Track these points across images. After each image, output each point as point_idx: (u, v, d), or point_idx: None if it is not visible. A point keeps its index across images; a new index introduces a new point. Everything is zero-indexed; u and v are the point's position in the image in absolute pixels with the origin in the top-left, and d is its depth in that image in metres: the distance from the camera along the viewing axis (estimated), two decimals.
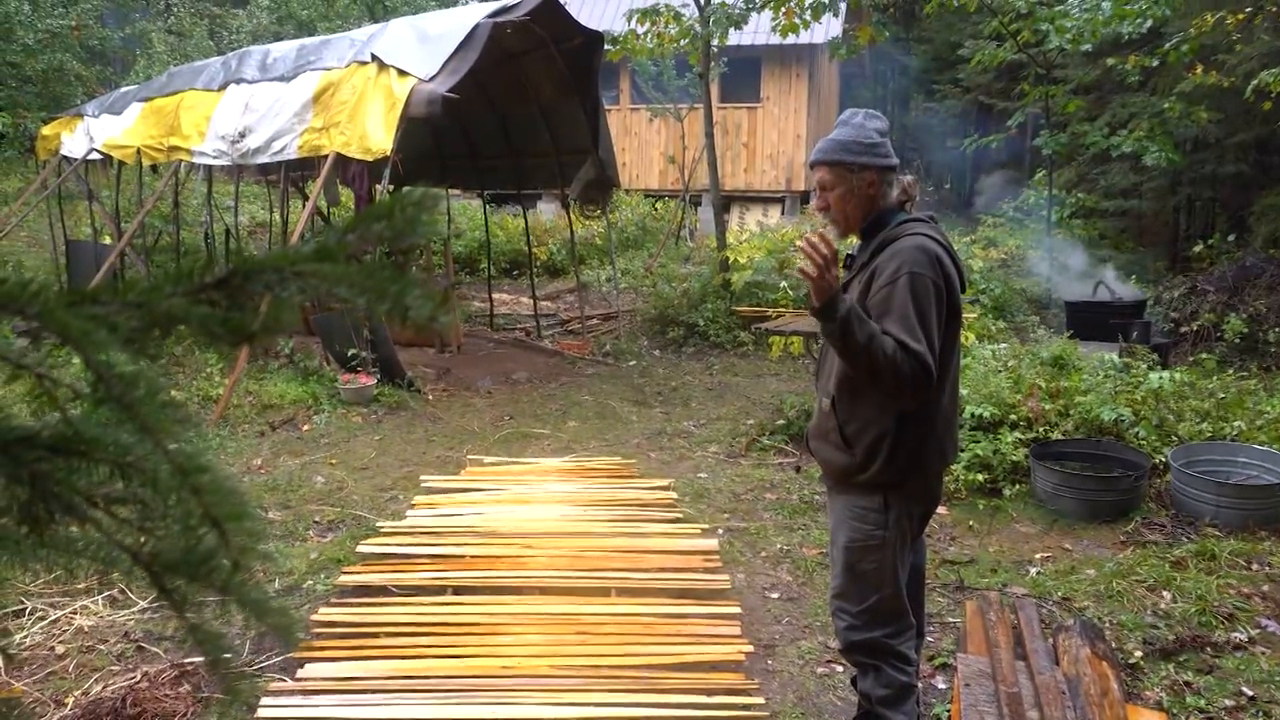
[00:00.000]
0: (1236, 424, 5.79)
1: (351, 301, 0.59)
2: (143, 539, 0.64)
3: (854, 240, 2.73)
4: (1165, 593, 4.25)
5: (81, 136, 10.41)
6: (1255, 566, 4.53)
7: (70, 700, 3.39)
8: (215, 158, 8.72)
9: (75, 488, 0.58)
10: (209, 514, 0.60)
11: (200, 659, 3.62)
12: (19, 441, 0.55)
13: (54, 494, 0.56)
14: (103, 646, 3.79)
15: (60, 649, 3.77)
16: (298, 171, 9.57)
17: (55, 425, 0.57)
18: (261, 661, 3.64)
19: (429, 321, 0.60)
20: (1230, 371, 7.32)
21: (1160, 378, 6.10)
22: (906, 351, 2.36)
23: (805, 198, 17.60)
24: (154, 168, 10.21)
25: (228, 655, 0.69)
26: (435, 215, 0.60)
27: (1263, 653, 3.74)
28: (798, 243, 2.56)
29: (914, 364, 2.37)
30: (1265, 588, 4.31)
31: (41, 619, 3.97)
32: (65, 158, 10.68)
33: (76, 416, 0.58)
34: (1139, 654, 3.73)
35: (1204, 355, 8.04)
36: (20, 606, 4.02)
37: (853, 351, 2.40)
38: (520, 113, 10.22)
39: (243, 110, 8.51)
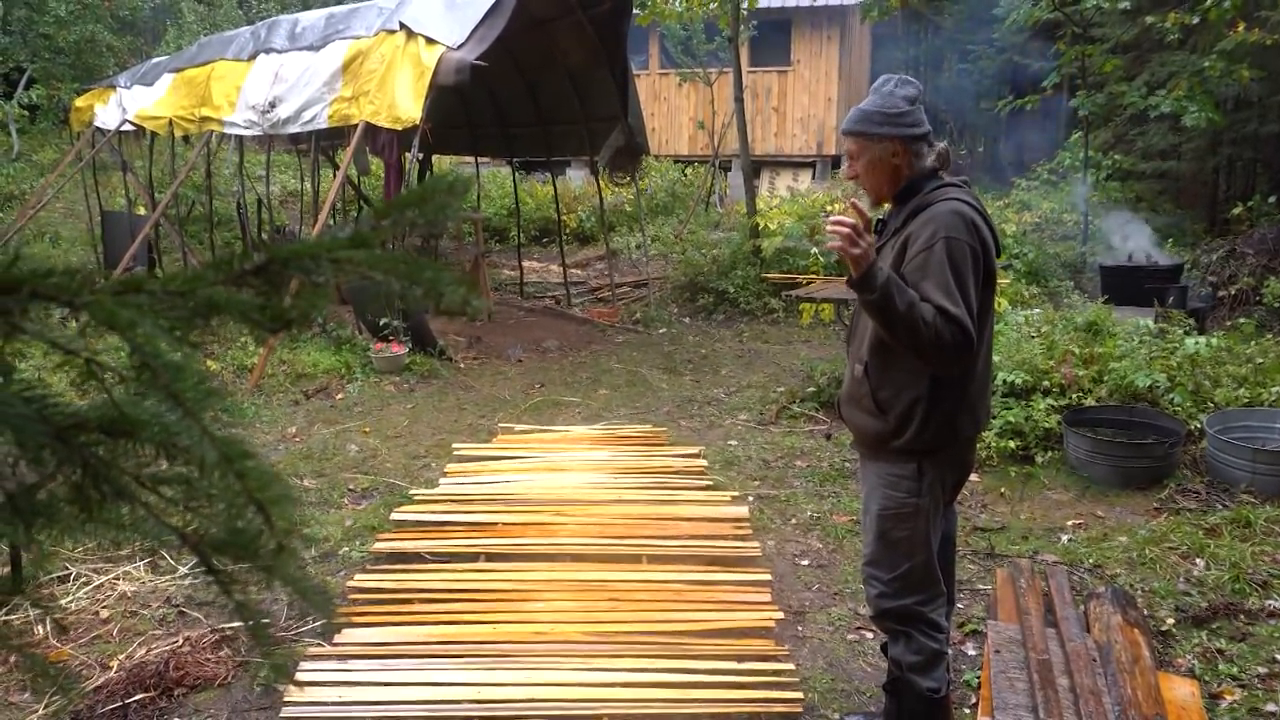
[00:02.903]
0: (1275, 389, 5.70)
1: (387, 286, 0.61)
2: (189, 518, 0.66)
3: (886, 206, 2.72)
4: (1198, 560, 4.23)
5: (114, 108, 10.50)
6: None
7: (115, 664, 3.48)
8: (246, 128, 8.77)
9: (125, 470, 0.59)
10: (253, 498, 0.62)
11: (241, 626, 3.71)
12: (72, 426, 0.57)
13: (106, 476, 0.58)
14: (145, 611, 3.88)
15: (104, 614, 3.87)
16: (328, 141, 9.61)
17: (103, 408, 0.59)
18: (300, 627, 3.71)
19: (462, 307, 0.61)
20: (1269, 336, 7.20)
21: (1196, 343, 6.01)
22: (946, 317, 2.34)
23: (836, 162, 17.43)
24: (186, 138, 10.29)
25: (271, 631, 0.71)
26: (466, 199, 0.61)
27: None
28: (824, 223, 2.54)
29: (954, 329, 2.34)
30: None
31: (86, 584, 4.06)
32: (99, 129, 10.77)
33: (123, 399, 0.59)
34: (1171, 621, 3.72)
35: (1242, 320, 7.92)
36: (65, 572, 4.12)
37: (893, 321, 2.36)
38: (549, 79, 10.18)
39: (273, 80, 8.54)
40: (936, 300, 2.36)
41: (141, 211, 11.18)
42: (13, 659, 3.20)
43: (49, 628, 3.62)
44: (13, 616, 3.28)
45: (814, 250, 10.63)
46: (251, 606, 0.72)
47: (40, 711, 3.18)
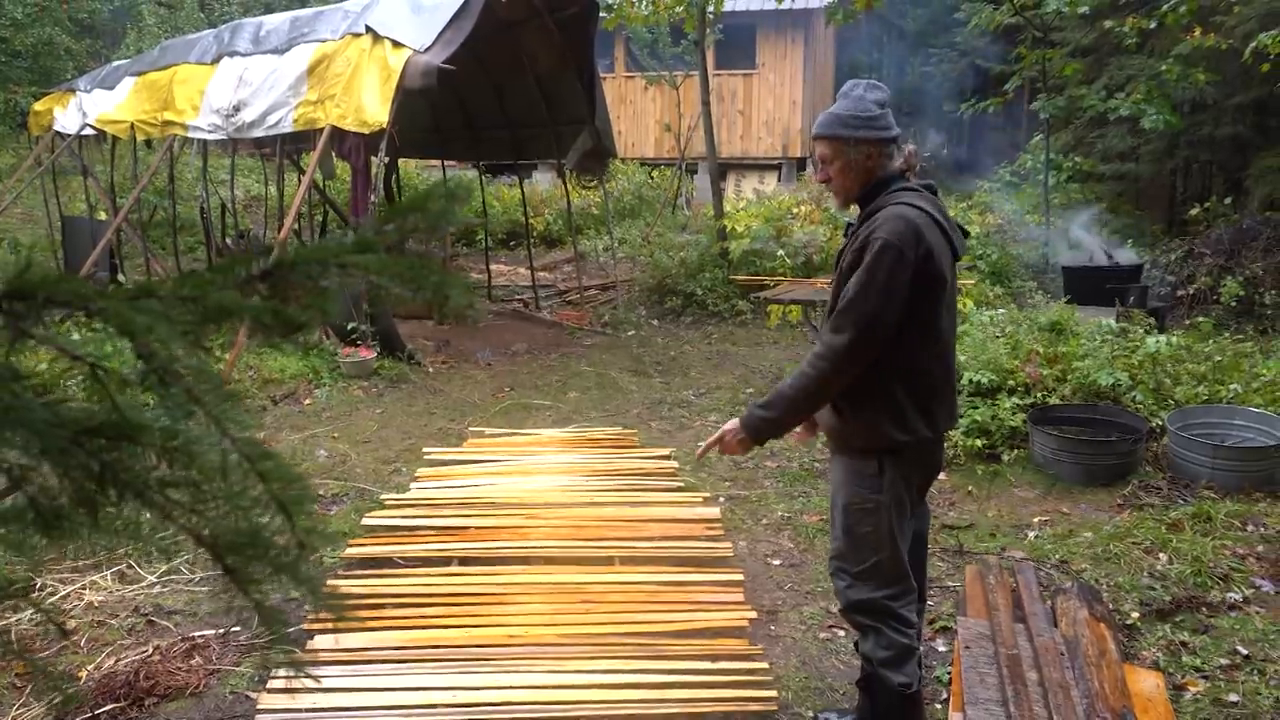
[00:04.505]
0: (1233, 387, 5.82)
1: (389, 290, 0.61)
2: (195, 520, 0.66)
3: (855, 208, 2.75)
4: (1162, 554, 4.31)
5: (74, 112, 10.35)
6: (1250, 528, 4.59)
7: (83, 674, 3.44)
8: (210, 132, 8.68)
9: (139, 474, 0.60)
10: (275, 499, 0.62)
11: (211, 632, 3.67)
12: (87, 430, 0.57)
13: (124, 480, 0.59)
14: (113, 621, 3.84)
15: (71, 624, 3.81)
16: (292, 145, 9.53)
17: (104, 414, 0.59)
18: (270, 634, 3.68)
19: (465, 310, 0.62)
20: (1227, 335, 7.35)
21: (1157, 342, 6.13)
22: (827, 346, 2.54)
23: (802, 164, 17.54)
24: (148, 142, 10.17)
25: (289, 630, 0.72)
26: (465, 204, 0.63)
27: (1257, 612, 3.80)
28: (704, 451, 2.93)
29: (828, 356, 2.53)
30: (1260, 548, 4.36)
31: (51, 594, 4.01)
32: (58, 133, 10.62)
33: (125, 405, 0.60)
34: (1136, 615, 3.79)
35: (1201, 319, 8.07)
36: (30, 582, 4.06)
37: (796, 419, 2.70)
38: (516, 83, 10.16)
39: (237, 84, 8.47)
40: (833, 319, 2.56)
41: (103, 217, 11.03)
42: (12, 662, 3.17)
43: (14, 636, 3.57)
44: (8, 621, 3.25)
45: (781, 253, 10.69)
46: (268, 606, 0.73)
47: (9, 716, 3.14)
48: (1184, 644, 3.57)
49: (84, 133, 10.19)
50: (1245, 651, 3.51)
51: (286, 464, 0.64)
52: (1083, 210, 11.58)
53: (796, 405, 2.63)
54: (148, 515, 0.63)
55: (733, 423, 2.73)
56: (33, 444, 0.54)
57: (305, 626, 3.64)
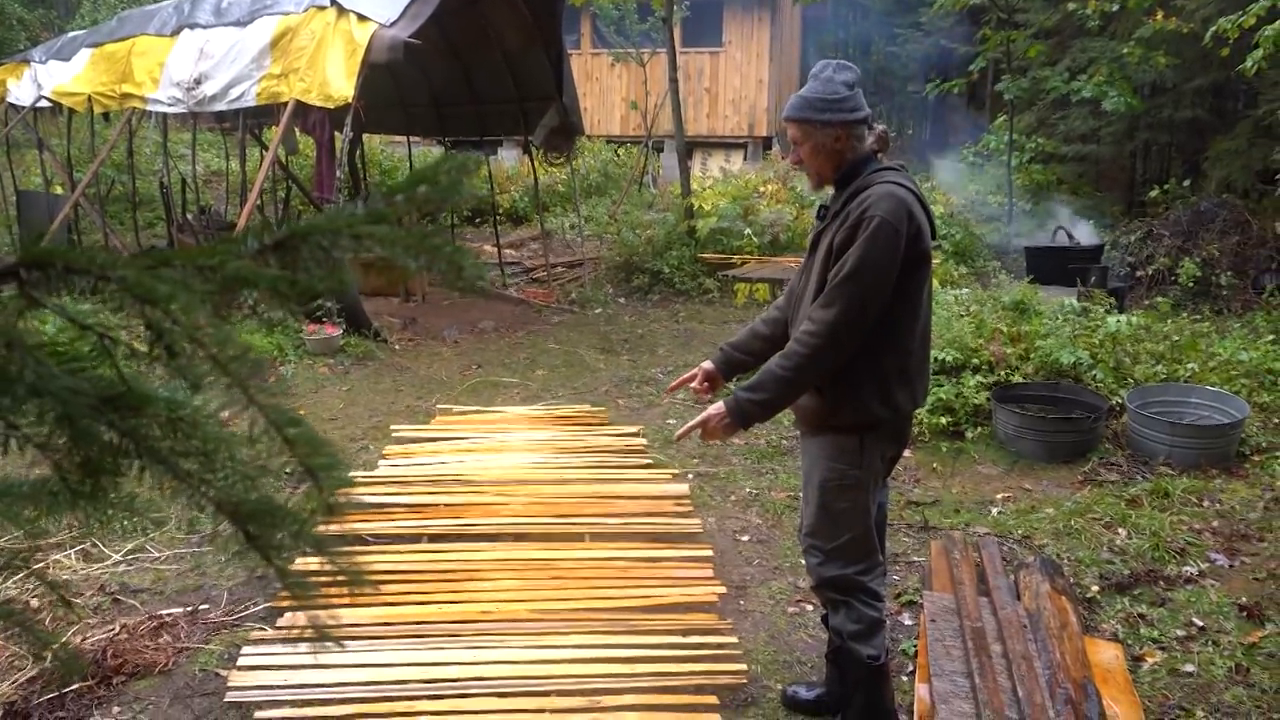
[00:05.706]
0: (1190, 366, 5.94)
1: (402, 263, 0.62)
2: (204, 489, 0.67)
3: (828, 189, 2.77)
4: (1121, 530, 4.40)
5: (29, 84, 10.13)
6: (1206, 503, 4.70)
7: (49, 653, 3.40)
8: (170, 105, 8.54)
9: (156, 442, 0.60)
10: (303, 464, 0.63)
11: (179, 610, 3.65)
12: (110, 399, 0.57)
13: (146, 449, 0.59)
14: (79, 600, 3.80)
15: (35, 603, 3.77)
16: (254, 119, 9.40)
17: (110, 384, 0.59)
18: (241, 611, 3.67)
19: (477, 282, 0.63)
20: (1184, 315, 7.48)
21: (1117, 321, 6.23)
22: (820, 322, 2.51)
23: (768, 143, 17.56)
24: (105, 116, 9.98)
25: (317, 596, 0.73)
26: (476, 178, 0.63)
27: (1212, 585, 3.90)
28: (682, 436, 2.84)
29: (820, 332, 2.50)
30: (1215, 523, 4.47)
31: (15, 573, 3.96)
32: (12, 105, 10.40)
33: (130, 376, 0.60)
34: (1096, 588, 3.87)
35: (1159, 299, 8.21)
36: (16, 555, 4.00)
37: (793, 395, 2.63)
38: (483, 58, 10.07)
39: (198, 56, 8.32)
40: (820, 302, 2.54)
41: (59, 191, 10.84)
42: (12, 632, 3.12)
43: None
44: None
45: (748, 231, 10.72)
46: (295, 574, 0.73)
47: None
48: (1142, 616, 3.66)
49: (39, 105, 9.98)
50: (1200, 623, 3.60)
51: (314, 430, 0.64)
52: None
53: (788, 384, 2.57)
54: (158, 487, 0.63)
55: (717, 407, 2.64)
56: (51, 412, 0.54)
57: (274, 604, 3.64)
